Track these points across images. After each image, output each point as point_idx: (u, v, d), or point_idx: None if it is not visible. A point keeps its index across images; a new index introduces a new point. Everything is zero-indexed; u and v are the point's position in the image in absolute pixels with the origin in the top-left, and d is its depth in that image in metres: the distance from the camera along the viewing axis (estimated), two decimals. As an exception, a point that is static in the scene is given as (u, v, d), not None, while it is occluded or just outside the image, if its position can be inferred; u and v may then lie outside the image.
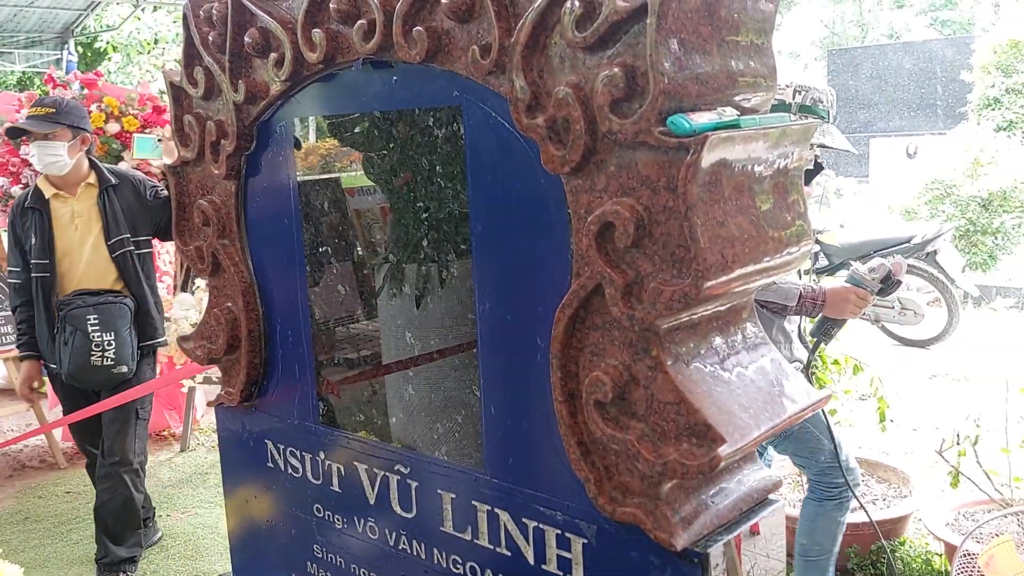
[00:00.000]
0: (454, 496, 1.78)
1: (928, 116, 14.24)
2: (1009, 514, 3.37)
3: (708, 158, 1.26)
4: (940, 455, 4.36)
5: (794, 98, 2.74)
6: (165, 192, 3.45)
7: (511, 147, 1.50)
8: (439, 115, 1.85)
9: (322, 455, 2.02)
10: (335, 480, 2.00)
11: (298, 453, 2.08)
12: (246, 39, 1.90)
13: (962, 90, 13.08)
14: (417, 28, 1.57)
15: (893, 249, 8.25)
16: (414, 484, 1.84)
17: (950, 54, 14.13)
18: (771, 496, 1.56)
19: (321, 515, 2.06)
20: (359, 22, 1.68)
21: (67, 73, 8.16)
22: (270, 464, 2.17)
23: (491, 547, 1.72)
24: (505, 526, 1.69)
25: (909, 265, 8.14)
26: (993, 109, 11.89)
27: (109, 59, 16.09)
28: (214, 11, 1.98)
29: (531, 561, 1.66)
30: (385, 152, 2.09)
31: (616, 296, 1.37)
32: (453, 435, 1.93)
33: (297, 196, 2.00)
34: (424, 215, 2.01)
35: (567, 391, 1.49)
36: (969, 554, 3.21)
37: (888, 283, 2.73)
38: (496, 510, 1.70)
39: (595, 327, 1.46)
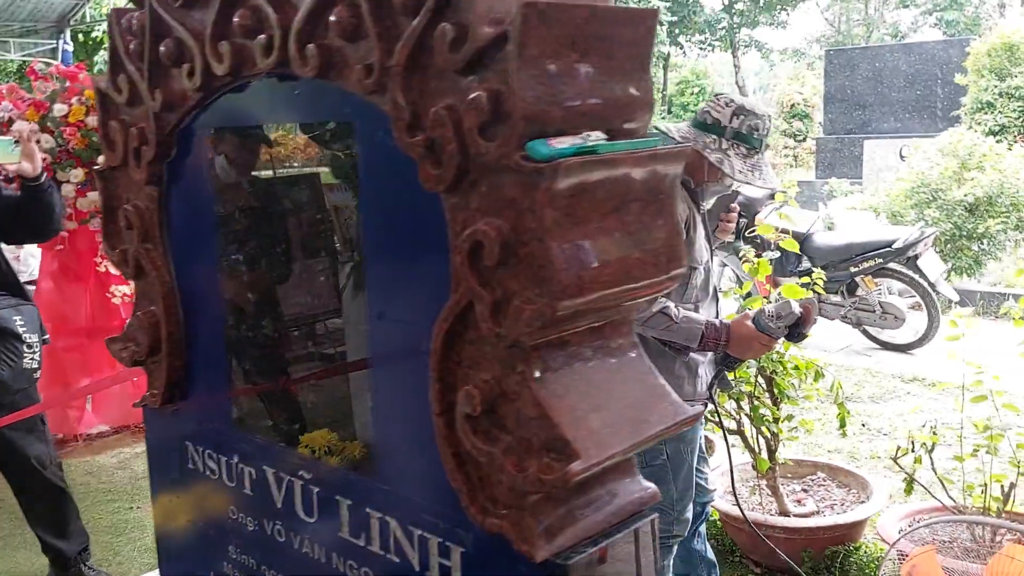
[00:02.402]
0: (350, 503, 1.82)
1: (924, 118, 14.23)
2: (941, 522, 3.40)
3: (564, 183, 1.30)
4: (895, 461, 4.40)
5: (731, 121, 2.72)
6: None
7: (397, 164, 1.53)
8: (336, 129, 1.89)
9: (235, 458, 2.07)
10: (247, 483, 2.05)
11: (215, 456, 2.12)
12: (162, 49, 1.94)
13: (958, 93, 13.08)
14: (310, 45, 1.61)
15: (874, 253, 8.28)
16: (315, 490, 1.88)
17: (947, 56, 14.11)
18: (646, 509, 1.60)
19: (235, 517, 2.10)
20: (260, 37, 1.71)
21: (65, 64, 8.20)
22: (191, 465, 2.21)
23: (382, 553, 1.77)
24: (394, 533, 1.73)
25: (890, 269, 8.14)
26: (986, 113, 11.90)
27: (105, 48, 16.14)
28: (134, 20, 2.02)
29: (416, 568, 1.70)
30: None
31: (485, 313, 1.41)
32: (350, 442, 1.98)
33: (215, 202, 2.04)
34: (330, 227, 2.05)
35: (445, 403, 1.53)
36: (902, 555, 3.25)
37: (796, 329, 2.68)
38: (387, 517, 1.75)
39: (471, 341, 1.49)
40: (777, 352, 4.58)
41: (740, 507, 3.70)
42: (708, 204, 3.08)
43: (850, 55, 15.95)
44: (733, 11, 37.49)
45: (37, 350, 3.48)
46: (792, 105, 26.40)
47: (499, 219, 1.38)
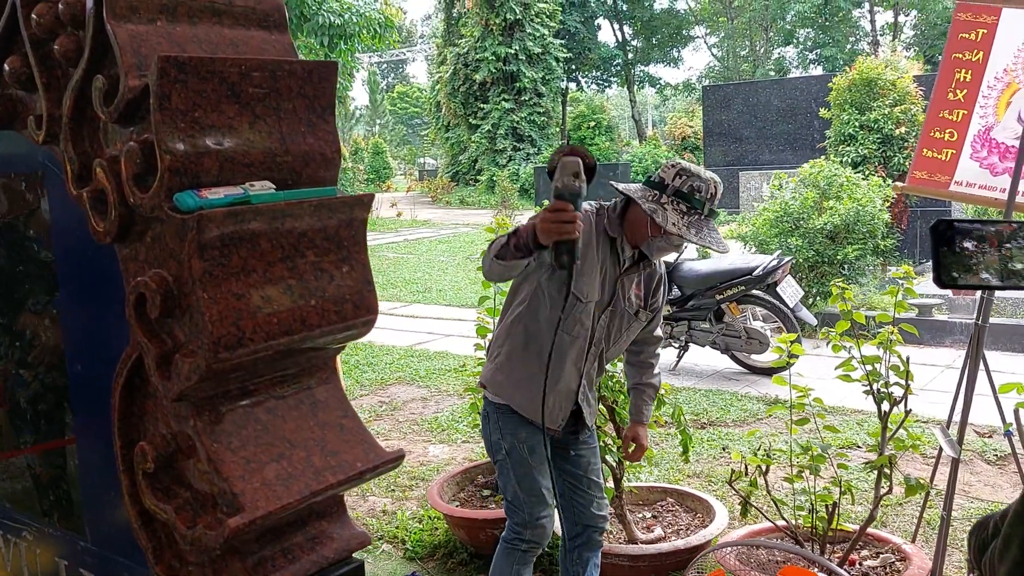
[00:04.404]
0: (67, 563, 1.76)
1: (795, 150, 14.84)
2: (729, 545, 3.48)
3: (210, 234, 1.29)
4: (730, 485, 4.50)
5: (674, 180, 2.77)
6: None
7: (79, 215, 1.50)
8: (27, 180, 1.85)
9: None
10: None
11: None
12: None
13: (826, 126, 13.68)
14: (-5, 94, 1.57)
15: (736, 281, 8.51)
16: (37, 550, 1.81)
17: (816, 91, 14.79)
18: (354, 555, 1.58)
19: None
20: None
21: None
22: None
23: (99, 615, 1.71)
24: (106, 594, 1.68)
25: (752, 296, 8.39)
26: (848, 145, 12.46)
27: None
28: None
29: (127, 628, 1.64)
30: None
31: (152, 366, 1.38)
32: (61, 503, 1.91)
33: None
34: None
35: (127, 460, 1.49)
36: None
37: (568, 181, 2.39)
38: (97, 576, 1.69)
39: (150, 395, 1.46)
40: (618, 382, 4.66)
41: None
42: (655, 258, 3.14)
43: (725, 91, 16.52)
44: (628, 48, 38.57)
45: None
46: (683, 138, 27.23)
47: (163, 270, 1.36)
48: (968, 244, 1.28)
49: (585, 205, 2.79)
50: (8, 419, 1.89)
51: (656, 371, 3.32)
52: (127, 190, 1.36)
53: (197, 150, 1.32)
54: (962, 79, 4.07)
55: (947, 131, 4.11)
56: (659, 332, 3.29)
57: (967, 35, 3.98)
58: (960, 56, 4.06)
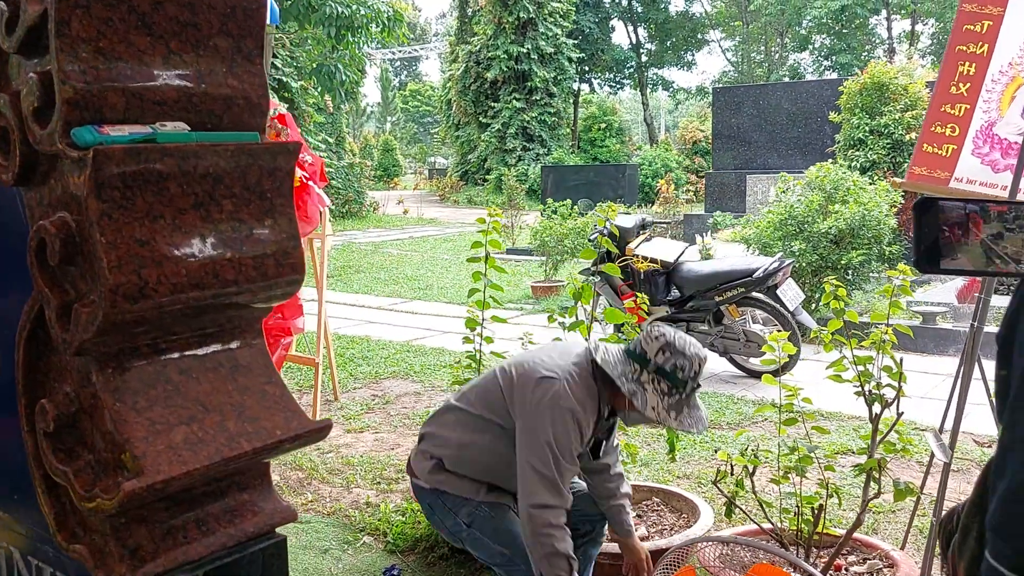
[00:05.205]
0: (-21, 531, 1.66)
1: (804, 154, 14.69)
2: (702, 540, 3.36)
3: (109, 171, 1.19)
4: (715, 485, 4.39)
5: (656, 355, 2.62)
6: None
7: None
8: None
9: None
10: None
11: None
12: None
13: (835, 130, 13.54)
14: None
15: (736, 282, 8.41)
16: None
17: (827, 94, 14.64)
18: (277, 531, 1.49)
19: None
20: None
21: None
22: None
23: (10, 586, 1.61)
24: (17, 565, 1.58)
25: (752, 298, 8.27)
26: (858, 149, 12.31)
27: None
28: None
29: (37, 601, 1.55)
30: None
31: (52, 317, 1.29)
32: None
33: None
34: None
35: (32, 420, 1.39)
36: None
37: None
38: (11, 547, 1.59)
39: (54, 350, 1.37)
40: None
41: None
42: (629, 426, 3.07)
43: (736, 93, 16.36)
44: (641, 50, 38.42)
45: None
46: (694, 142, 27.09)
47: (65, 213, 1.26)
48: (952, 225, 1.17)
49: (571, 368, 2.69)
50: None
51: (625, 481, 3.14)
52: (27, 126, 1.27)
53: (100, 83, 1.22)
54: (966, 72, 3.94)
55: (948, 126, 3.97)
56: (619, 449, 3.16)
57: (972, 27, 3.85)
58: (964, 49, 3.93)
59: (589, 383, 2.67)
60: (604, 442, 2.95)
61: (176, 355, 1.37)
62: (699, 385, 2.69)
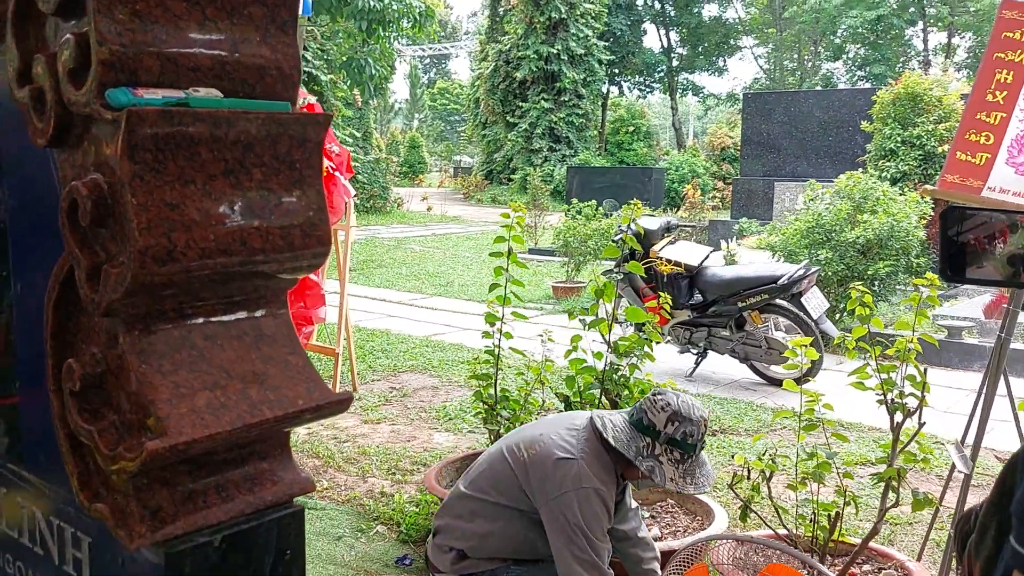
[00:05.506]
0: (5, 490, 1.68)
1: (833, 163, 14.58)
2: (715, 537, 3.34)
3: (142, 133, 1.21)
4: (731, 488, 4.36)
5: (666, 426, 2.68)
6: None
7: (22, 118, 1.43)
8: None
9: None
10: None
11: None
12: None
13: (866, 139, 13.42)
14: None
15: (760, 288, 8.35)
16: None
17: (859, 103, 14.51)
18: (296, 500, 1.49)
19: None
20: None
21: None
22: None
23: (31, 546, 1.63)
24: (39, 525, 1.60)
25: (775, 305, 8.20)
26: (889, 160, 12.18)
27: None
28: None
29: (56, 561, 1.57)
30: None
31: (82, 277, 1.30)
32: (5, 428, 1.84)
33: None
34: None
35: (59, 380, 1.41)
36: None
37: None
38: (34, 508, 1.61)
39: (83, 311, 1.38)
40: (623, 376, 4.55)
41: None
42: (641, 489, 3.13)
43: (767, 99, 16.26)
44: (672, 55, 38.30)
45: None
46: (723, 148, 26.95)
47: (98, 174, 1.28)
48: (979, 234, 1.16)
49: (584, 446, 2.73)
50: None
51: (652, 546, 3.15)
52: (63, 87, 1.28)
53: (136, 46, 1.23)
54: (1003, 80, 3.88)
55: (983, 134, 3.92)
56: (639, 513, 3.18)
57: (1011, 34, 3.80)
58: (1002, 56, 3.87)
59: (604, 458, 2.70)
60: (619, 504, 2.95)
61: (201, 321, 1.38)
62: (705, 444, 2.74)
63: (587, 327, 4.40)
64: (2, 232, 1.60)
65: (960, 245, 1.16)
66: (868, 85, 32.96)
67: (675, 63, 38.31)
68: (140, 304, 1.28)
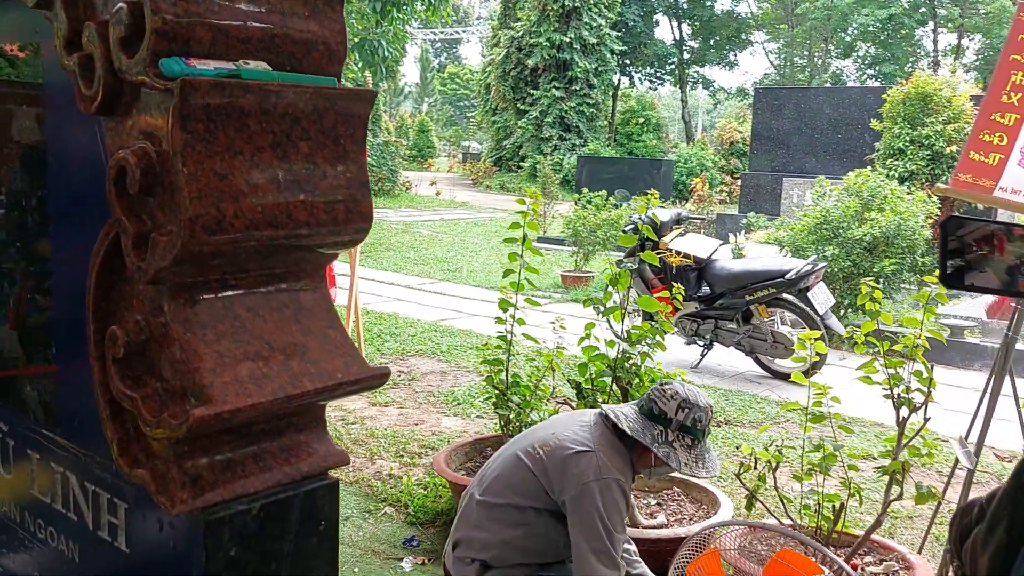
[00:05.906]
0: (39, 456, 1.70)
1: (842, 160, 14.55)
2: (725, 524, 3.37)
3: (194, 103, 1.22)
4: (738, 478, 4.39)
5: (676, 414, 2.77)
6: None
7: (71, 85, 1.44)
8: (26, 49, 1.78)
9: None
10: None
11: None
12: None
13: (875, 138, 13.40)
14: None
15: (768, 282, 8.36)
16: (11, 443, 1.76)
17: (869, 102, 14.47)
18: (331, 473, 1.51)
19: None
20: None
21: None
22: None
23: (64, 511, 1.65)
24: (73, 490, 1.62)
25: (782, 299, 8.22)
26: (897, 159, 12.16)
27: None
28: None
29: (90, 526, 1.59)
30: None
31: (128, 245, 1.32)
32: (41, 395, 1.86)
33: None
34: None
35: (100, 346, 1.43)
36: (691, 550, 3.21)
37: None
38: (68, 473, 1.63)
39: (127, 279, 1.40)
40: (635, 364, 4.57)
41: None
42: (651, 479, 3.20)
43: (778, 95, 16.23)
44: (684, 47, 38.14)
45: None
46: (731, 143, 26.88)
47: (146, 143, 1.29)
48: (978, 242, 1.19)
49: (598, 438, 2.78)
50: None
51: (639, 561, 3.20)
52: (114, 55, 1.30)
53: (189, 16, 1.25)
54: (1018, 82, 3.88)
55: (997, 134, 3.92)
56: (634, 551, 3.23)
57: (1027, 37, 3.80)
58: (1018, 58, 3.87)
59: (619, 448, 2.80)
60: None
61: (243, 292, 1.40)
62: (710, 431, 2.84)
63: (602, 315, 4.41)
64: (41, 201, 1.62)
65: (959, 253, 1.20)
66: (877, 84, 32.85)
67: (686, 55, 38.15)
68: (186, 273, 1.30)
